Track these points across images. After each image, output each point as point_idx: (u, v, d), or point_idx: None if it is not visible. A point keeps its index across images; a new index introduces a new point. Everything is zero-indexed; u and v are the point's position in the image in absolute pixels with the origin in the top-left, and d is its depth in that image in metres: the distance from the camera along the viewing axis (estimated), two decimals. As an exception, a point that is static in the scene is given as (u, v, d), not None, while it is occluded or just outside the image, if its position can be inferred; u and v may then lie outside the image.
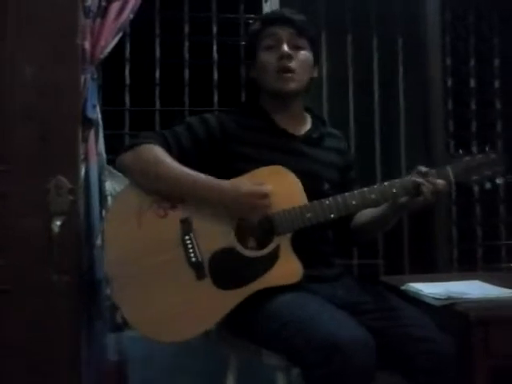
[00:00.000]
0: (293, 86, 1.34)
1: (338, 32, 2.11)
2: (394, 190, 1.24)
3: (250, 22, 2.03)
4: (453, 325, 1.26)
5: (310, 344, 1.08)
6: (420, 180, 1.22)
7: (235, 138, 1.33)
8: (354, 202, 1.24)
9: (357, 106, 2.11)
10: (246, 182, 1.24)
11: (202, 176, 1.24)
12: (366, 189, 1.25)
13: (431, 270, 2.02)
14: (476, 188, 2.15)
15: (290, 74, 1.34)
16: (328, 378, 1.06)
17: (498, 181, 1.26)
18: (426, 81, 2.11)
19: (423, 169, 1.25)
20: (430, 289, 1.38)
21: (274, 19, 1.38)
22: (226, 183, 1.24)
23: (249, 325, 1.24)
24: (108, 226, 1.29)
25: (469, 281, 1.51)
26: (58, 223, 1.30)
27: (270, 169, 1.27)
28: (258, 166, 1.28)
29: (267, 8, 2.00)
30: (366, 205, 1.26)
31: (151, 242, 1.24)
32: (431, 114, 2.10)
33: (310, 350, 1.08)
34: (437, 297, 1.32)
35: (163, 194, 1.25)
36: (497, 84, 2.21)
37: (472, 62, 2.20)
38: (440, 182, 1.22)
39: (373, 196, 1.24)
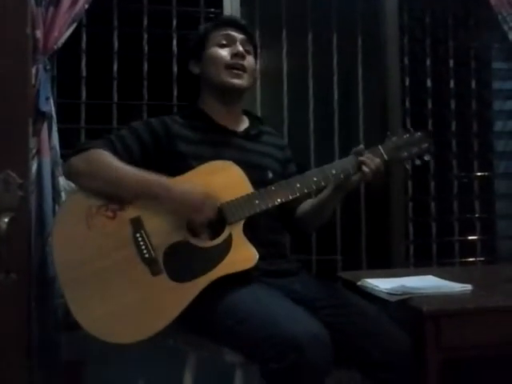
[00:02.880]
0: (243, 82, 1.40)
1: (299, 29, 2.11)
2: (334, 171, 1.29)
3: (211, 15, 2.01)
4: (407, 319, 1.28)
5: (265, 339, 1.09)
6: (362, 158, 1.29)
7: (179, 137, 1.36)
8: (298, 185, 1.28)
9: (316, 103, 2.13)
10: (194, 185, 1.25)
11: (150, 176, 1.25)
12: (307, 172, 1.31)
13: (388, 265, 2.06)
14: (431, 185, 2.22)
15: (241, 72, 1.40)
16: (284, 372, 1.06)
17: (426, 158, 1.35)
18: (384, 80, 2.15)
19: (359, 148, 1.31)
20: (385, 284, 1.41)
21: (229, 22, 1.46)
22: (175, 187, 1.25)
23: (206, 321, 1.23)
24: (57, 228, 1.27)
25: (422, 276, 1.54)
26: (6, 220, 1.25)
27: (215, 163, 1.31)
28: (203, 163, 1.30)
29: (227, 2, 1.98)
30: (309, 186, 1.29)
31: (102, 243, 1.23)
32: (389, 112, 2.14)
33: (265, 346, 1.08)
34: (392, 292, 1.34)
35: (112, 196, 1.25)
36: (452, 84, 2.27)
37: (428, 63, 2.25)
38: (377, 159, 1.30)
39: (315, 178, 1.29)
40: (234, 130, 1.43)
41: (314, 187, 1.30)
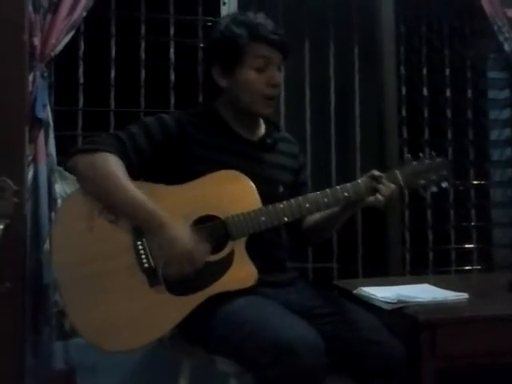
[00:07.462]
0: (272, 110, 1.36)
1: (296, 38, 2.12)
2: (346, 194, 1.27)
3: (209, 24, 2.02)
4: (402, 328, 1.28)
5: (260, 345, 1.09)
6: (376, 184, 1.26)
7: (192, 140, 1.32)
8: (307, 205, 1.26)
9: (313, 111, 2.13)
10: (192, 240, 1.20)
11: (149, 207, 1.20)
12: (319, 192, 1.28)
13: (384, 273, 2.06)
14: (427, 193, 2.21)
15: (273, 101, 1.35)
16: (278, 378, 1.06)
17: (443, 185, 1.31)
18: (380, 88, 2.16)
19: (376, 173, 1.28)
20: (381, 293, 1.41)
21: (271, 41, 1.31)
22: (170, 228, 1.19)
23: (201, 330, 1.23)
24: (57, 227, 1.25)
25: (418, 284, 1.54)
26: (1, 227, 1.24)
27: (226, 173, 1.27)
28: (214, 170, 1.27)
29: (225, 11, 1.99)
30: (319, 208, 1.28)
31: (102, 247, 1.21)
32: (385, 121, 2.14)
33: (260, 352, 1.08)
34: (387, 300, 1.34)
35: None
36: (448, 93, 2.28)
37: (424, 72, 2.26)
38: (393, 185, 1.26)
39: (326, 200, 1.27)
40: (249, 138, 1.38)
41: (324, 209, 1.29)
